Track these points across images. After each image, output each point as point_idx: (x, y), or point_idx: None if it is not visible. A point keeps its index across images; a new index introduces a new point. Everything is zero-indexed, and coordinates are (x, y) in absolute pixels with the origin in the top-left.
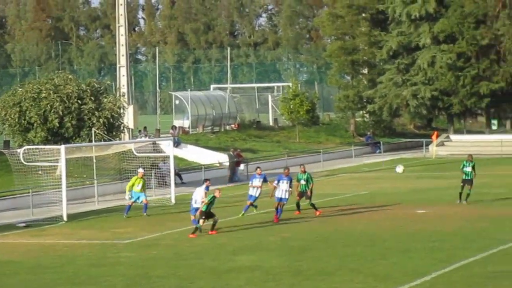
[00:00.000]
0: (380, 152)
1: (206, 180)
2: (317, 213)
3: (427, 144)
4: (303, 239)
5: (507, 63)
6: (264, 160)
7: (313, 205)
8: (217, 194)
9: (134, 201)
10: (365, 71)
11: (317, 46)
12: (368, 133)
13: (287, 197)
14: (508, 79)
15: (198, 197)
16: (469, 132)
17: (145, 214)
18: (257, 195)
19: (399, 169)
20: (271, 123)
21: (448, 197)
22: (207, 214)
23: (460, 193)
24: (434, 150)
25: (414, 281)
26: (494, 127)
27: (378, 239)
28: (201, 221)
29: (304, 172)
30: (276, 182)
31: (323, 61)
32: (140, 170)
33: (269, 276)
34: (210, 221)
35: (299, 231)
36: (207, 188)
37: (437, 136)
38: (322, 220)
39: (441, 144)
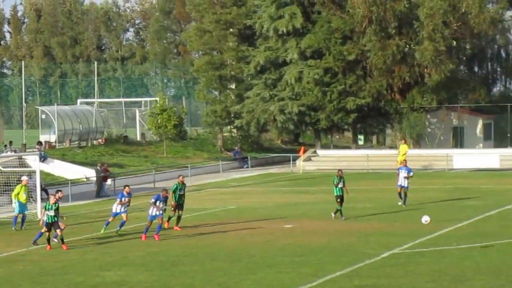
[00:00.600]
0: (248, 167)
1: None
2: (179, 229)
3: (294, 159)
4: (171, 254)
5: (373, 79)
6: (131, 175)
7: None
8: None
9: (19, 213)
10: (233, 86)
11: (185, 61)
12: (236, 148)
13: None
14: (374, 94)
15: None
16: (336, 147)
17: (13, 228)
18: (156, 214)
19: (425, 220)
20: (138, 138)
21: (315, 212)
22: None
23: (337, 209)
24: (301, 165)
25: None
26: (361, 142)
27: (245, 254)
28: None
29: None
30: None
31: (190, 76)
32: (24, 178)
33: None
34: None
35: (167, 246)
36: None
37: (304, 151)
38: (190, 235)
39: (308, 159)
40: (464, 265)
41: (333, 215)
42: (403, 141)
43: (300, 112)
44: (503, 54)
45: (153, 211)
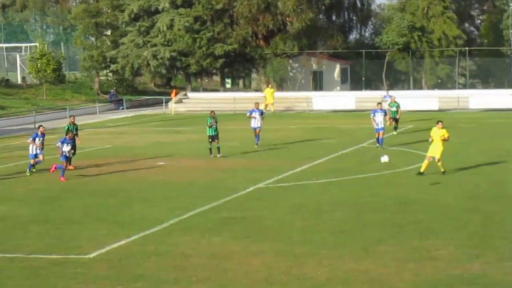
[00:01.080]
0: (123, 109)
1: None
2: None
3: (167, 101)
4: (51, 190)
5: (239, 27)
6: (13, 116)
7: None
8: None
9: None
10: (109, 32)
11: (63, 9)
12: (112, 91)
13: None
14: (240, 41)
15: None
16: (205, 90)
17: None
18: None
19: (384, 159)
20: (19, 81)
21: (186, 151)
22: None
23: (210, 148)
24: (173, 107)
25: (154, 228)
26: (228, 86)
27: (120, 190)
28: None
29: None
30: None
31: (68, 23)
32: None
33: (17, 225)
34: None
35: (48, 183)
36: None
37: (176, 94)
38: (70, 172)
39: (180, 101)
40: (322, 198)
41: (212, 155)
42: (269, 85)
43: (172, 57)
44: (359, 4)
45: (33, 149)
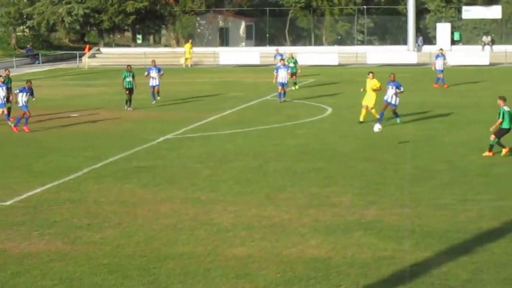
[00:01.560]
0: (39, 63)
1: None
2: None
3: (81, 56)
4: None
5: None
6: None
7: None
8: None
9: None
10: None
11: None
12: (28, 46)
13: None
14: None
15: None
16: (118, 45)
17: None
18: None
19: (377, 128)
20: None
21: (99, 103)
22: None
23: (126, 100)
24: (87, 61)
25: (68, 176)
26: (139, 41)
27: (34, 140)
28: None
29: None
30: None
31: None
32: None
33: None
34: None
35: None
36: None
37: (89, 49)
38: None
39: (93, 56)
40: (228, 148)
41: (126, 107)
42: (190, 40)
43: (85, 14)
44: None
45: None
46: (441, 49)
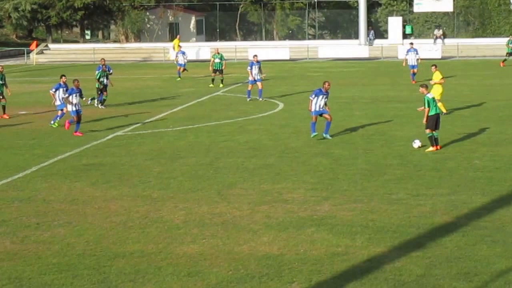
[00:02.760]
0: None
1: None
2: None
3: (28, 53)
4: None
5: None
6: None
7: None
8: None
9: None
10: None
11: None
12: None
13: None
14: None
15: None
16: (66, 41)
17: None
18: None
19: (416, 144)
20: None
21: (47, 99)
22: None
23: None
24: (35, 58)
25: (16, 175)
26: (88, 37)
27: None
28: None
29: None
30: None
31: None
32: None
33: None
34: None
35: None
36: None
37: (37, 45)
38: None
39: (41, 52)
40: (179, 145)
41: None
42: (178, 36)
43: (33, 9)
44: None
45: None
46: (411, 42)
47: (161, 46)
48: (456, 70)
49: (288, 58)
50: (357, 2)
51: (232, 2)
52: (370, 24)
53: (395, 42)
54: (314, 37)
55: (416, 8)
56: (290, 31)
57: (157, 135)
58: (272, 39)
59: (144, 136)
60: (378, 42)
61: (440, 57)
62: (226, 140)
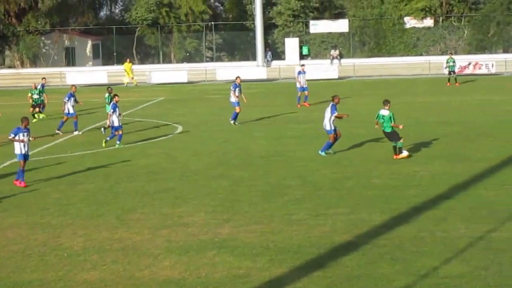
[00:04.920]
0: None
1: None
2: None
3: None
4: None
5: None
6: None
7: None
8: None
9: None
10: None
11: None
12: None
13: None
14: None
15: None
16: None
17: None
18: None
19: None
20: None
21: None
22: None
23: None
24: None
25: None
26: None
27: None
28: None
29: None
30: None
31: None
32: None
33: None
34: None
35: None
36: None
37: None
38: None
39: None
40: (78, 170)
41: None
42: (128, 60)
43: None
44: None
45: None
46: (302, 64)
47: (58, 71)
48: (353, 90)
49: (186, 80)
50: (254, 23)
51: (129, 26)
52: (267, 46)
53: (293, 63)
54: (212, 59)
55: (313, 29)
56: (187, 54)
57: (55, 161)
58: (170, 62)
59: (42, 162)
60: (275, 63)
61: (337, 77)
62: (125, 164)
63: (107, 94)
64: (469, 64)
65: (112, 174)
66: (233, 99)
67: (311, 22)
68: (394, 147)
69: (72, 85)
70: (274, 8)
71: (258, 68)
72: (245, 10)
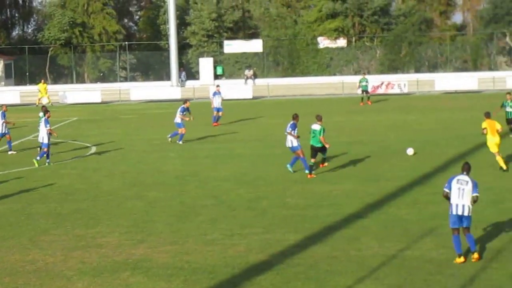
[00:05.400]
0: None
1: None
2: None
3: None
4: None
5: None
6: None
7: None
8: None
9: None
10: None
11: None
12: None
13: None
14: None
15: None
16: None
17: None
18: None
19: (410, 151)
20: None
21: None
22: None
23: None
24: None
25: None
26: None
27: None
28: None
29: None
30: None
31: None
32: None
33: None
34: None
35: None
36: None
37: None
38: None
39: None
40: None
41: None
42: (42, 80)
43: None
44: (20, 1)
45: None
46: (218, 85)
47: None
48: (266, 109)
49: (100, 100)
50: (168, 43)
51: (42, 46)
52: (181, 65)
53: (207, 83)
54: (126, 79)
55: (227, 49)
56: (101, 74)
57: None
58: (83, 81)
59: None
60: (190, 83)
61: (251, 97)
62: (38, 185)
63: (41, 113)
64: (382, 84)
65: (24, 195)
66: (178, 119)
67: (225, 42)
68: (311, 166)
69: (2, 105)
70: (188, 28)
71: (172, 88)
72: (159, 30)
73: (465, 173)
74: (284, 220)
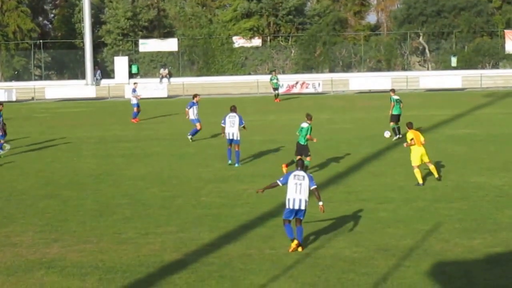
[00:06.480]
0: None
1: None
2: None
3: None
4: None
5: None
6: None
7: None
8: None
9: None
10: None
11: None
12: None
13: None
14: None
15: None
16: None
17: None
18: None
19: (387, 134)
20: None
21: None
22: None
23: None
24: None
25: None
26: None
27: None
28: None
29: None
30: None
31: None
32: None
33: None
34: None
35: None
36: None
37: None
38: None
39: None
40: None
41: None
42: None
43: None
44: None
45: None
46: (135, 82)
47: None
48: (181, 108)
49: (14, 99)
50: (83, 42)
51: None
52: (96, 64)
53: (122, 82)
54: (40, 77)
55: (142, 48)
56: (15, 72)
57: None
58: None
59: None
60: (105, 82)
61: (166, 96)
62: None
63: None
64: (297, 83)
65: None
66: (192, 116)
67: (141, 41)
68: (293, 161)
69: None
70: (104, 27)
71: (87, 87)
72: (74, 28)
73: (299, 168)
74: (198, 219)
